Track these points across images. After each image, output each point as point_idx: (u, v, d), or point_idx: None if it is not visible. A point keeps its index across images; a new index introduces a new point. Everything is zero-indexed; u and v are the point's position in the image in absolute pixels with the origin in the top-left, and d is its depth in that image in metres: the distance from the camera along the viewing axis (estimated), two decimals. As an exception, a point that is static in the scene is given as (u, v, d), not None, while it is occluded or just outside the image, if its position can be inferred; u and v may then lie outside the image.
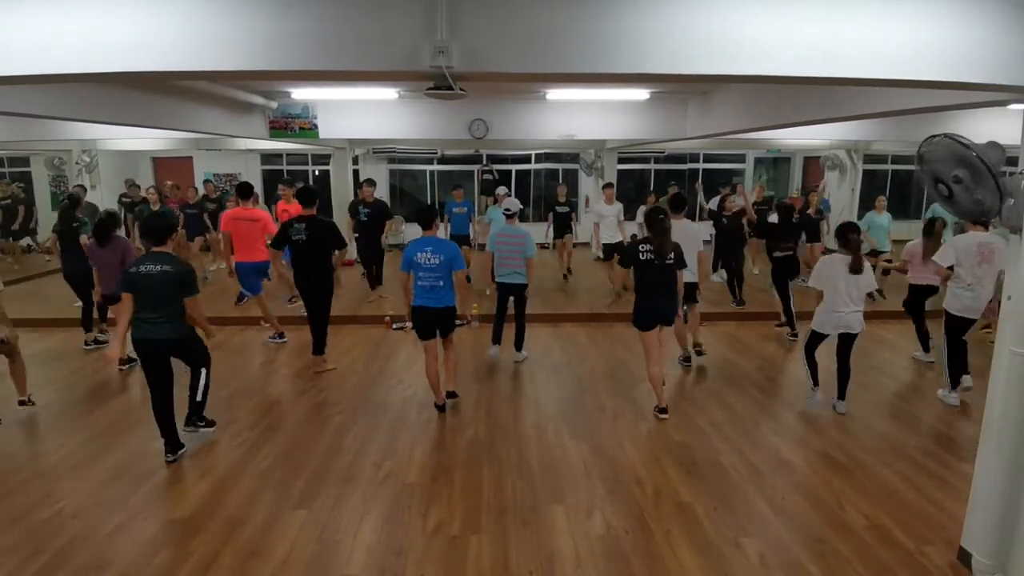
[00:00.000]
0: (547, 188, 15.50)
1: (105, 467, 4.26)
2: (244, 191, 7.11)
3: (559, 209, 10.46)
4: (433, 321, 5.06)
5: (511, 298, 6.35)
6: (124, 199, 11.30)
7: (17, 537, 3.45)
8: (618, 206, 9.38)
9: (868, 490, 4.00)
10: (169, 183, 12.01)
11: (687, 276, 6.13)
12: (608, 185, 10.00)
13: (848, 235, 4.96)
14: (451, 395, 5.35)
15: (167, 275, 4.23)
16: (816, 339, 5.21)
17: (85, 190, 10.60)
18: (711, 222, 9.64)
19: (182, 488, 4.00)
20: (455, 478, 4.13)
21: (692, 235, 6.00)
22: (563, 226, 10.39)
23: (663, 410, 5.06)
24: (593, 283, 9.97)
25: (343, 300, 8.82)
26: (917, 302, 6.38)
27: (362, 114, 8.81)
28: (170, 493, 3.95)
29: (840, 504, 3.83)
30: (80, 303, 6.92)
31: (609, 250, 9.22)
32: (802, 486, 4.06)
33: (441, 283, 4.97)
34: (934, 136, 2.99)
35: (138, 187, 11.33)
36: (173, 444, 4.39)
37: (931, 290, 6.25)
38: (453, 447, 4.59)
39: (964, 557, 3.22)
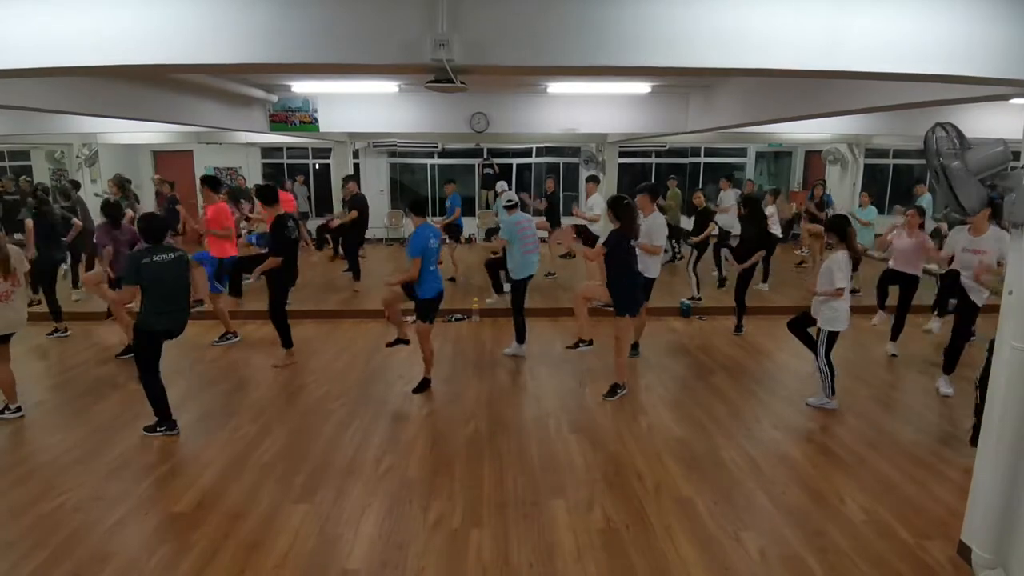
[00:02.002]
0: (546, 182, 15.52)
1: (106, 461, 4.26)
2: (215, 184, 6.97)
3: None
4: (441, 300, 5.50)
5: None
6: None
7: (19, 531, 3.46)
8: (599, 198, 9.28)
9: (868, 484, 4.01)
10: (157, 177, 12.07)
11: (649, 272, 6.12)
12: (591, 179, 9.88)
13: (846, 228, 4.97)
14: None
15: (181, 260, 4.59)
16: (834, 341, 5.07)
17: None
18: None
19: (183, 482, 4.00)
20: (456, 472, 4.14)
21: (663, 230, 6.24)
22: (548, 219, 10.25)
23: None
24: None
25: (344, 293, 8.86)
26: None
27: (362, 107, 8.80)
28: (171, 487, 3.95)
29: (840, 498, 3.84)
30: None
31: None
32: (802, 480, 4.07)
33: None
34: (936, 125, 2.99)
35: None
36: (172, 421, 4.69)
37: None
38: (454, 441, 4.59)
39: (964, 551, 3.22)
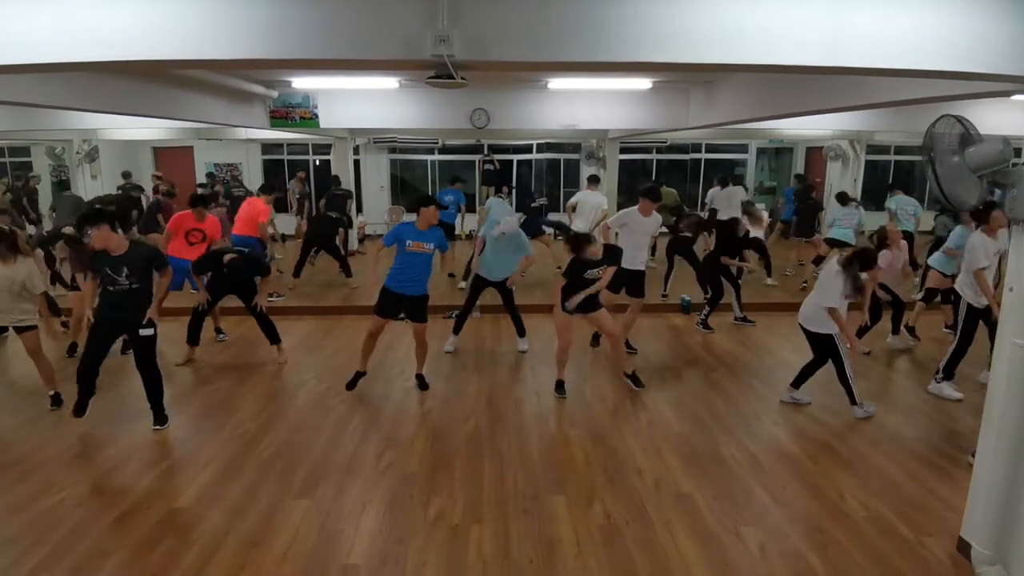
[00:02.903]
0: (547, 179, 15.53)
1: (107, 456, 4.28)
2: (207, 200, 7.09)
3: (533, 205, 10.35)
4: None
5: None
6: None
7: (20, 527, 3.47)
8: (601, 198, 9.28)
9: (868, 481, 4.01)
10: (156, 174, 12.28)
11: (637, 264, 6.20)
12: (592, 178, 9.90)
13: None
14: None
15: None
16: None
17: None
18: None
19: (184, 478, 4.01)
20: (456, 468, 4.14)
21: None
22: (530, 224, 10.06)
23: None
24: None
25: (344, 290, 8.86)
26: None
27: (363, 103, 8.77)
28: (172, 483, 3.96)
29: (840, 495, 3.84)
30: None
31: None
32: (802, 477, 4.07)
33: None
34: (943, 118, 2.98)
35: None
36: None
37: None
38: (454, 437, 4.60)
39: (963, 548, 3.22)
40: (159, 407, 4.70)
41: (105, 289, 4.47)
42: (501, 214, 7.20)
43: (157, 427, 4.64)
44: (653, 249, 10.87)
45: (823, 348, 4.97)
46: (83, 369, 4.53)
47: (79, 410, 4.61)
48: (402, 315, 5.32)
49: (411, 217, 5.41)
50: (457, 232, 10.42)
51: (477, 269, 6.37)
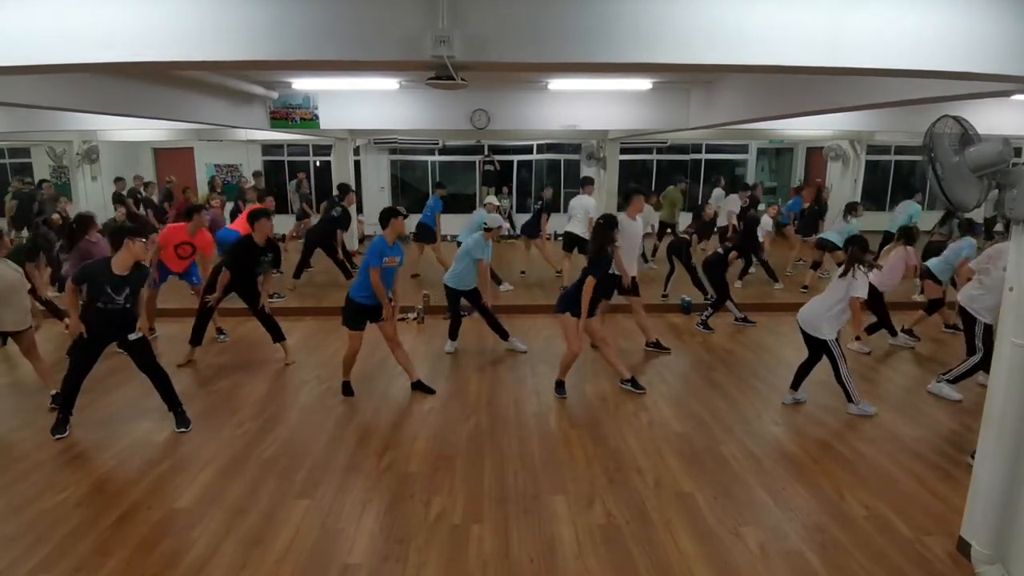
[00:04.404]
0: (547, 179, 15.52)
1: (108, 456, 4.28)
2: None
3: (536, 207, 10.36)
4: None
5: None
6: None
7: (21, 525, 3.48)
8: (590, 201, 9.21)
9: (868, 480, 4.01)
10: (168, 179, 12.32)
11: (631, 270, 6.35)
12: (587, 180, 9.86)
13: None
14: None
15: None
16: None
17: None
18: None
19: (185, 478, 4.01)
20: (457, 467, 4.15)
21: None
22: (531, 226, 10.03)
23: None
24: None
25: (344, 290, 8.84)
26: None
27: (363, 104, 8.79)
28: (173, 482, 3.96)
29: (840, 494, 3.85)
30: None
31: (571, 241, 9.01)
32: (802, 476, 4.07)
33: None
34: (943, 118, 2.99)
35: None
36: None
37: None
38: (455, 437, 4.60)
39: (963, 547, 3.22)
40: (178, 408, 4.70)
41: (95, 306, 4.37)
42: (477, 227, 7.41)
43: (181, 430, 4.63)
44: (654, 250, 10.97)
45: (820, 348, 5.01)
46: (74, 382, 4.54)
47: (60, 428, 4.55)
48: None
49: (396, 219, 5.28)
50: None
51: (446, 281, 6.41)
